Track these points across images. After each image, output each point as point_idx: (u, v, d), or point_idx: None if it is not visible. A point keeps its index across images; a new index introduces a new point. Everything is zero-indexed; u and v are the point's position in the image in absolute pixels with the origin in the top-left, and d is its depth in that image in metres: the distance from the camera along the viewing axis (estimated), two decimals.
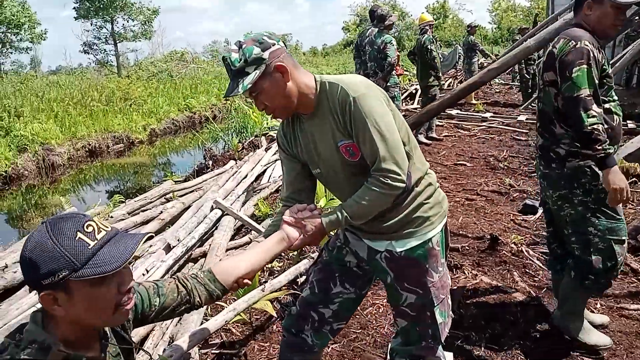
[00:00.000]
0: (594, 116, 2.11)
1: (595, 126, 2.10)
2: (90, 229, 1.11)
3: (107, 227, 1.17)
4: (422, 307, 1.81)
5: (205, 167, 6.80)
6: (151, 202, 4.78)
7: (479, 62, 12.33)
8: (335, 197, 1.99)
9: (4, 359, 1.08)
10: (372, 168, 1.61)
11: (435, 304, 1.80)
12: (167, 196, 5.01)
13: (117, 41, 30.13)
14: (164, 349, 2.33)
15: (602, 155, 2.12)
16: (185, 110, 15.50)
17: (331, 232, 1.88)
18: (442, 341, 1.89)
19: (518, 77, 11.67)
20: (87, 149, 11.10)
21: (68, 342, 1.15)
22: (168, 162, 11.28)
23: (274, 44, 1.58)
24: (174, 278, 1.53)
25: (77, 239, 1.08)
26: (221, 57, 1.62)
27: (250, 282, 1.65)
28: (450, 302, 1.92)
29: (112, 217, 4.01)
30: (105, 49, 30.68)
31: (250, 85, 1.53)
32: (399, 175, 1.58)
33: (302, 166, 1.85)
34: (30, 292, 1.17)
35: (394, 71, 6.34)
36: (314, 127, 1.70)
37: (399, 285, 1.81)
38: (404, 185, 1.61)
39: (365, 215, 1.67)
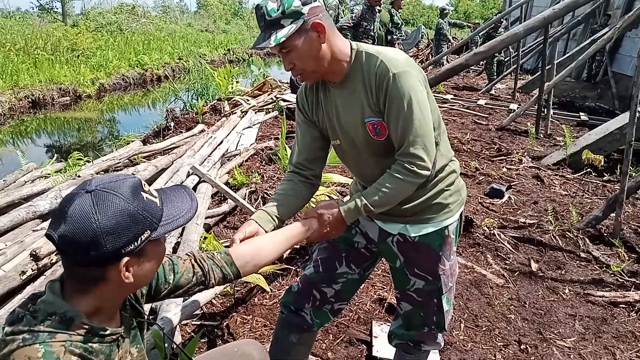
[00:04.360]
0: None
1: None
2: (147, 188, 1.07)
3: None
4: (429, 294, 1.78)
5: (167, 129, 6.50)
6: (119, 163, 4.50)
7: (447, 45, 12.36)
8: (352, 174, 1.89)
9: (21, 330, 0.96)
10: (398, 152, 1.53)
11: (444, 292, 1.78)
12: (132, 158, 4.74)
13: None
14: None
15: None
16: (137, 67, 14.79)
17: None
18: (446, 328, 1.88)
19: (485, 61, 11.61)
20: (30, 100, 10.41)
21: (92, 314, 1.04)
22: (119, 120, 10.75)
23: (314, 0, 1.46)
24: (189, 256, 1.43)
25: (145, 198, 1.03)
26: (254, 5, 1.48)
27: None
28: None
29: (79, 176, 3.74)
30: None
31: (284, 39, 1.41)
32: (426, 162, 1.50)
33: (319, 133, 1.74)
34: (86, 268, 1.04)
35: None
36: (341, 97, 1.60)
37: (408, 270, 1.77)
38: (428, 173, 1.53)
39: (387, 204, 1.58)
